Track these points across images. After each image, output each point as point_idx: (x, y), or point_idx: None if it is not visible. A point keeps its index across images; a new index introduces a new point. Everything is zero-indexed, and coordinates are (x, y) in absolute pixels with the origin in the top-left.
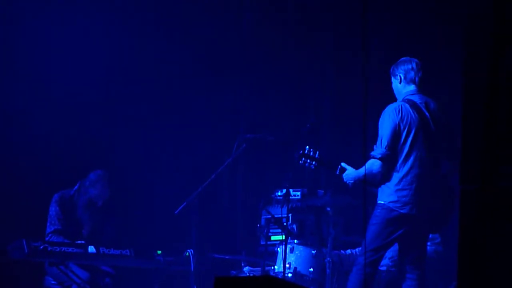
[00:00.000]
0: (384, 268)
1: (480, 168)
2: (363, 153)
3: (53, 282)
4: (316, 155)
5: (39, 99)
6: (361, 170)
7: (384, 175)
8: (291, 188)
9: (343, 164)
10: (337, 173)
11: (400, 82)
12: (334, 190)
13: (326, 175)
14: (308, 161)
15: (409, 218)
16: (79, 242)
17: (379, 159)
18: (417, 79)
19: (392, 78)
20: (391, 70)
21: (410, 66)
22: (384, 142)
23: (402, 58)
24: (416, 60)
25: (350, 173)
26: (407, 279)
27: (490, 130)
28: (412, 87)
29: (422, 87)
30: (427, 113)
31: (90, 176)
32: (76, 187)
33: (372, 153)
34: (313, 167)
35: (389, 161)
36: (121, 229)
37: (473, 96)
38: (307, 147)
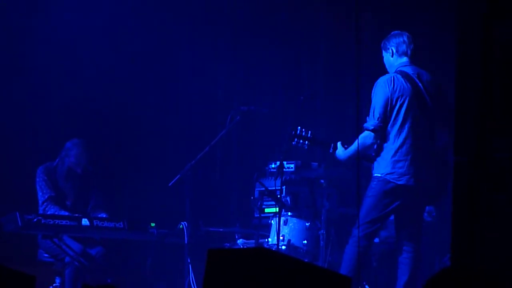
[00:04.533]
0: (379, 240)
1: (474, 140)
2: (356, 125)
3: (45, 255)
4: (309, 135)
5: (24, 75)
6: (352, 148)
7: (378, 147)
8: (285, 161)
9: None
10: (331, 151)
11: (392, 56)
12: (328, 162)
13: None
14: (301, 141)
15: (406, 190)
16: (72, 215)
17: (372, 130)
18: (409, 51)
19: (384, 52)
20: (382, 44)
21: (401, 39)
22: (377, 114)
23: (393, 32)
24: (407, 33)
25: (340, 152)
26: (403, 251)
27: (484, 102)
28: (404, 59)
29: (414, 59)
30: (420, 84)
31: (66, 145)
32: (58, 159)
33: (365, 125)
34: (306, 147)
35: (382, 133)
36: (109, 198)
37: (467, 69)
38: (299, 127)
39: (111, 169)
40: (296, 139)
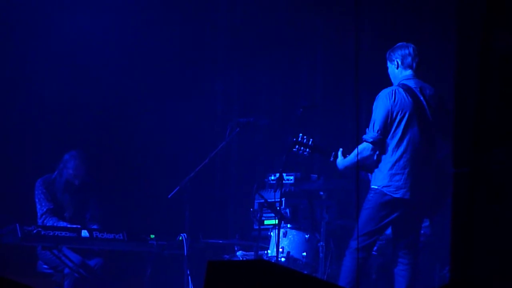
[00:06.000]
0: (376, 253)
1: (472, 152)
2: (357, 136)
3: (45, 266)
4: (310, 142)
5: (24, 85)
6: (350, 157)
7: (376, 159)
8: (284, 172)
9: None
10: (331, 159)
11: (397, 68)
12: (328, 174)
13: (320, 159)
14: (302, 148)
15: (402, 203)
16: (72, 226)
17: (371, 143)
18: (414, 64)
19: (388, 63)
20: (387, 55)
21: (407, 51)
22: (376, 126)
23: (399, 43)
24: (412, 45)
25: (340, 160)
26: (399, 263)
27: (482, 113)
28: (408, 72)
29: (418, 73)
30: (421, 98)
31: (64, 158)
32: (56, 171)
33: (364, 136)
34: (306, 154)
35: (381, 145)
36: (108, 210)
37: (466, 77)
38: (301, 134)
39: (110, 181)
40: (297, 146)
